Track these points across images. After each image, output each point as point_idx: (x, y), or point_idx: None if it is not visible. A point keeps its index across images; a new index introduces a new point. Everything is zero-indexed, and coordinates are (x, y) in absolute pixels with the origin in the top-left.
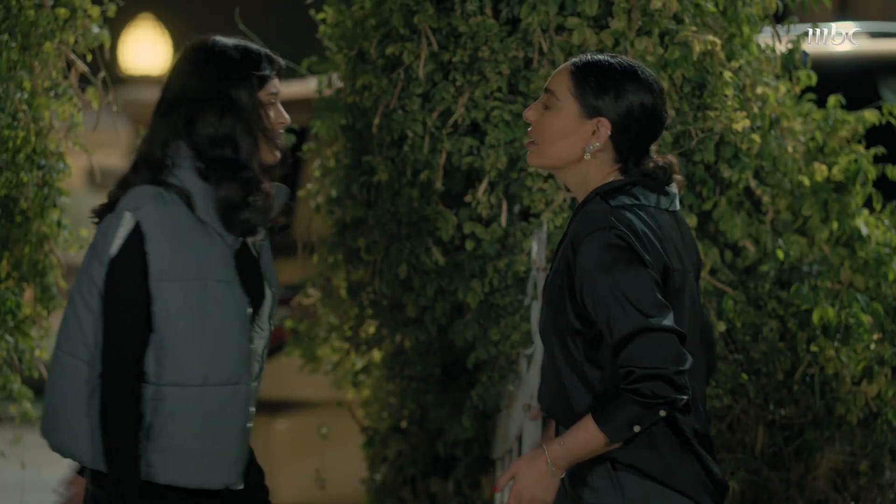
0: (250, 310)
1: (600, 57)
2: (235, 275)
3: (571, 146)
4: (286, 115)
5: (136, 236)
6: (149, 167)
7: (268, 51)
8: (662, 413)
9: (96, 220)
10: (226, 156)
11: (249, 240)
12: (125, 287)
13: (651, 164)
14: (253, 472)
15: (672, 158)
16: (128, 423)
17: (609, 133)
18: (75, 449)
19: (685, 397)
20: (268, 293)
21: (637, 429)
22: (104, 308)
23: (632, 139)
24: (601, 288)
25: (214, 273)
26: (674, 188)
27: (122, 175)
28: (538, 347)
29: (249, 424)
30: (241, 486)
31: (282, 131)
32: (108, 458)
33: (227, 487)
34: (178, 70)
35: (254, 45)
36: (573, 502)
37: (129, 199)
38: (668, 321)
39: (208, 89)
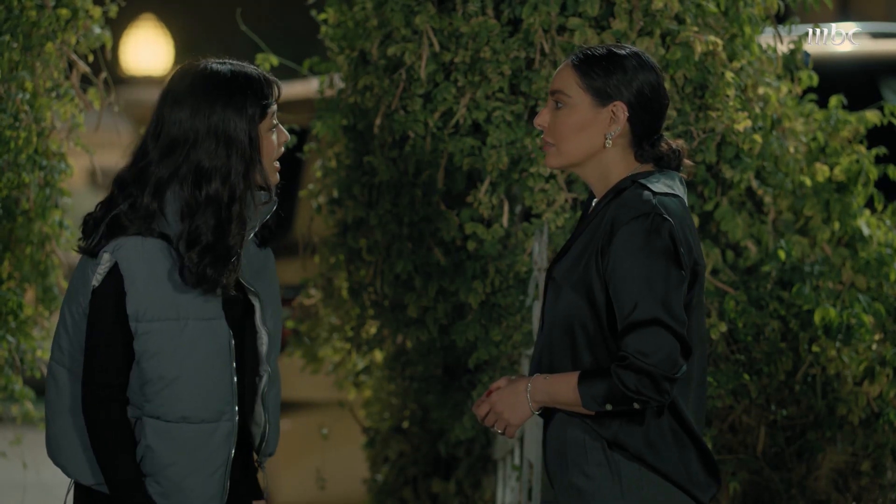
0: (234, 342)
1: (597, 47)
2: (220, 310)
3: (591, 137)
4: (286, 133)
5: (115, 276)
6: (142, 215)
7: (265, 73)
8: (636, 406)
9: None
10: (212, 192)
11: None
12: (105, 323)
13: (665, 146)
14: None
15: (682, 143)
16: (117, 442)
17: (626, 115)
18: (79, 473)
19: (662, 401)
20: (255, 302)
21: (609, 407)
22: (87, 335)
23: (646, 118)
24: (635, 268)
25: (195, 312)
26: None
27: (113, 215)
28: None
29: (231, 457)
30: None
31: (281, 149)
32: (107, 478)
33: None
34: (175, 100)
35: (252, 70)
36: (565, 495)
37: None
38: (682, 329)
39: (209, 126)
